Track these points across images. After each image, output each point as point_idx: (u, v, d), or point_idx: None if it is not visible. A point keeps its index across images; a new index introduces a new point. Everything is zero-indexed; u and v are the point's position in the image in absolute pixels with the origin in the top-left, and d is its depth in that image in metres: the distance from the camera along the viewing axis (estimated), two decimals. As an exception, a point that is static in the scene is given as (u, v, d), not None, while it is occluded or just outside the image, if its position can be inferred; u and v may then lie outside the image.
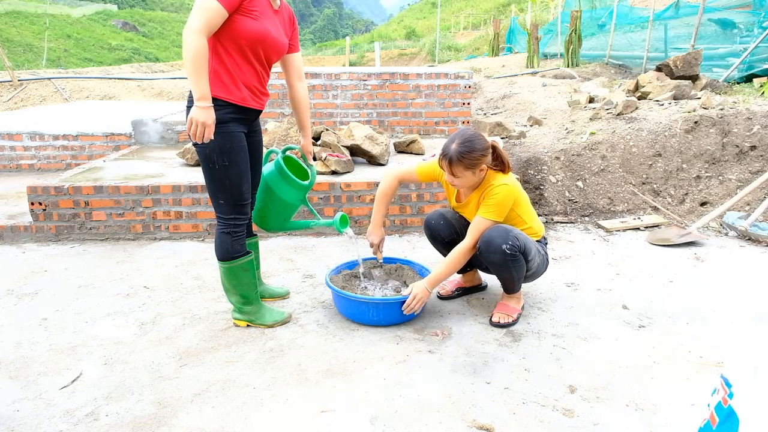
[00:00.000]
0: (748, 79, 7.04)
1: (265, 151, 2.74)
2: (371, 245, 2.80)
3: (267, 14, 2.27)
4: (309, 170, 2.72)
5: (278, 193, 2.60)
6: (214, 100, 2.20)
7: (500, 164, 2.52)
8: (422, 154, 4.96)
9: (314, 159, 4.31)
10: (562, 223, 4.17)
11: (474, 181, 2.51)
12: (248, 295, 2.51)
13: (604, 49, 11.01)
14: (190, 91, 2.27)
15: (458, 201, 2.70)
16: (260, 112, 2.46)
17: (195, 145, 2.27)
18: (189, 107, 2.27)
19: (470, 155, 2.38)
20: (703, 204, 4.28)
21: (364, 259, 2.94)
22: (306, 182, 2.65)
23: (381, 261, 2.89)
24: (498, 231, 2.43)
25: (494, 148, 2.51)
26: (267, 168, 2.66)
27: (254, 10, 2.20)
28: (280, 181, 2.59)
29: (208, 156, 2.28)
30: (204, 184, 3.79)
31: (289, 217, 2.71)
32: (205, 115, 2.13)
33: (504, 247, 2.39)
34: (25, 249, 3.63)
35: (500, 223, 2.49)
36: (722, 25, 7.79)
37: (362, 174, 4.16)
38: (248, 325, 2.56)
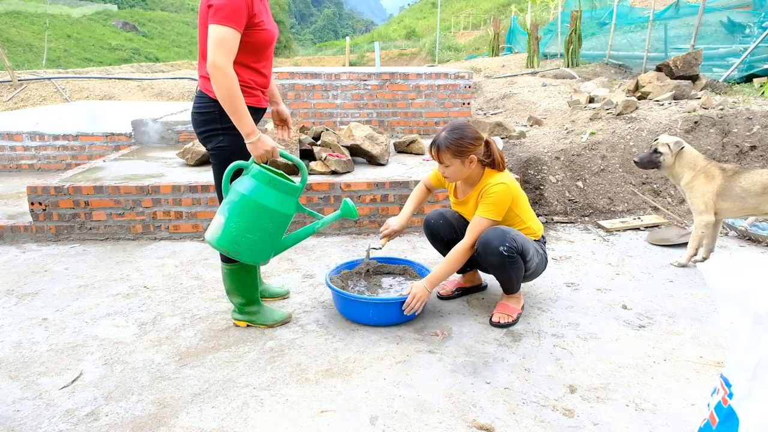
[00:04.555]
0: (748, 79, 7.04)
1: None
2: (385, 227, 2.70)
3: (264, 15, 2.28)
4: (299, 167, 2.35)
5: (277, 207, 2.21)
6: None
7: (492, 161, 2.52)
8: (422, 154, 4.97)
9: (313, 158, 4.32)
10: (562, 223, 4.17)
11: (465, 173, 2.50)
12: (251, 295, 2.52)
13: (604, 49, 11.00)
14: (199, 89, 2.29)
15: (456, 197, 2.70)
16: (266, 110, 2.49)
17: (213, 148, 2.30)
18: (199, 113, 2.28)
19: (458, 142, 2.40)
20: (703, 204, 4.28)
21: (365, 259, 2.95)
22: (299, 184, 2.30)
23: (379, 247, 2.77)
24: (495, 233, 2.43)
25: (488, 144, 2.51)
26: (246, 186, 2.19)
27: (259, 20, 2.22)
28: (271, 192, 2.20)
29: (228, 158, 2.29)
30: (204, 184, 3.81)
31: (284, 232, 2.33)
32: (266, 145, 2.19)
33: (501, 249, 2.39)
34: (25, 249, 3.63)
35: (499, 222, 2.49)
36: (730, 28, 7.73)
37: (362, 174, 4.16)
38: (248, 325, 2.56)
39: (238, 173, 2.32)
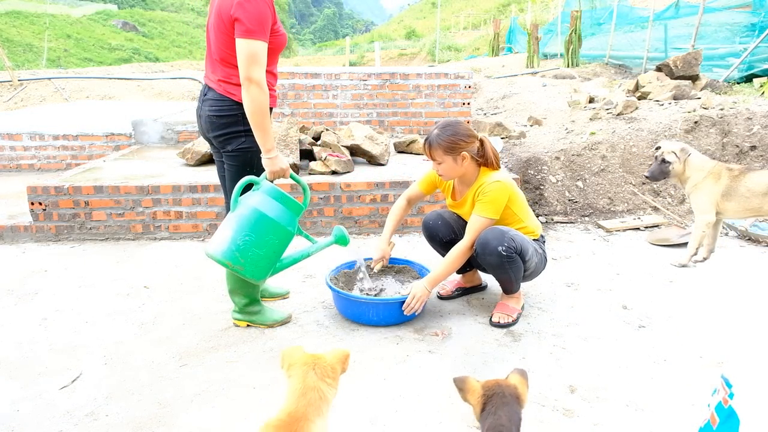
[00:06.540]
0: (748, 79, 7.04)
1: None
2: (374, 260, 2.78)
3: (278, 19, 2.32)
4: (303, 190, 2.40)
5: (286, 225, 2.21)
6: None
7: (485, 159, 2.51)
8: (422, 154, 4.97)
9: (313, 158, 4.32)
10: (562, 223, 4.17)
11: (458, 171, 2.50)
12: (253, 295, 2.53)
13: (604, 49, 11.00)
14: (217, 92, 2.28)
15: (454, 199, 2.70)
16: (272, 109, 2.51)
17: (235, 150, 2.32)
18: (219, 115, 2.29)
19: (449, 138, 2.41)
20: (703, 204, 4.28)
21: (365, 259, 2.94)
22: (301, 203, 2.32)
23: (375, 269, 2.81)
24: (494, 233, 2.42)
25: (482, 142, 2.51)
26: (259, 201, 2.19)
27: (277, 26, 2.26)
28: (283, 209, 2.21)
29: (250, 160, 2.34)
30: (204, 184, 3.81)
31: (284, 251, 2.30)
32: (283, 163, 2.27)
33: (500, 249, 2.39)
34: (25, 249, 3.63)
35: (497, 220, 2.49)
36: (753, 28, 7.68)
37: (362, 174, 4.16)
38: (248, 325, 2.56)
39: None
